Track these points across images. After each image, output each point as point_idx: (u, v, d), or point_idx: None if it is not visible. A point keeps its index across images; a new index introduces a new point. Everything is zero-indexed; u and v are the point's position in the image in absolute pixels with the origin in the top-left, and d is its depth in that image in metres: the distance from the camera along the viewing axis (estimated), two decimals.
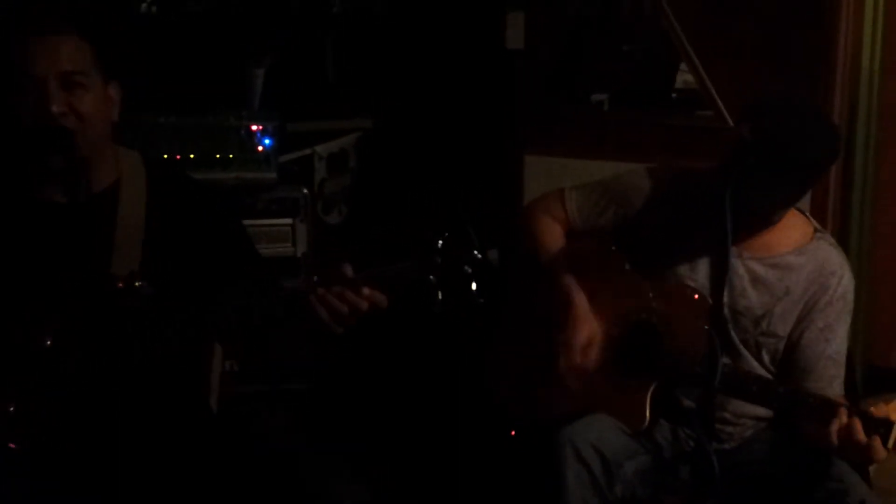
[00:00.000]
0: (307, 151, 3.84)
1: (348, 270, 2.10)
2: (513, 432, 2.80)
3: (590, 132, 3.92)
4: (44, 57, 2.17)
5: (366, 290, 2.09)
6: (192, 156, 3.45)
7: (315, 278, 2.15)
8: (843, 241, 3.06)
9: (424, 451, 3.58)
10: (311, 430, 3.27)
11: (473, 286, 2.08)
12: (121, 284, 2.21)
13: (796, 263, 2.53)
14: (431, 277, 2.08)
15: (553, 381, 2.65)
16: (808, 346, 2.52)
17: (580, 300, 2.62)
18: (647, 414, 2.50)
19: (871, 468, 2.55)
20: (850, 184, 3.52)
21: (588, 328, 2.59)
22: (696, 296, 2.52)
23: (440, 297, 2.08)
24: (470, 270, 2.07)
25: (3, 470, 2.13)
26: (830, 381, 2.50)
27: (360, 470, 2.33)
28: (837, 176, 3.49)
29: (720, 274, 2.50)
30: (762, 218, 2.51)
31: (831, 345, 2.52)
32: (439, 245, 2.08)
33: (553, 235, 2.73)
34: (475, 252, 2.08)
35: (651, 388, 2.51)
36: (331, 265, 2.11)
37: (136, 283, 2.20)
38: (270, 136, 3.51)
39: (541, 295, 2.72)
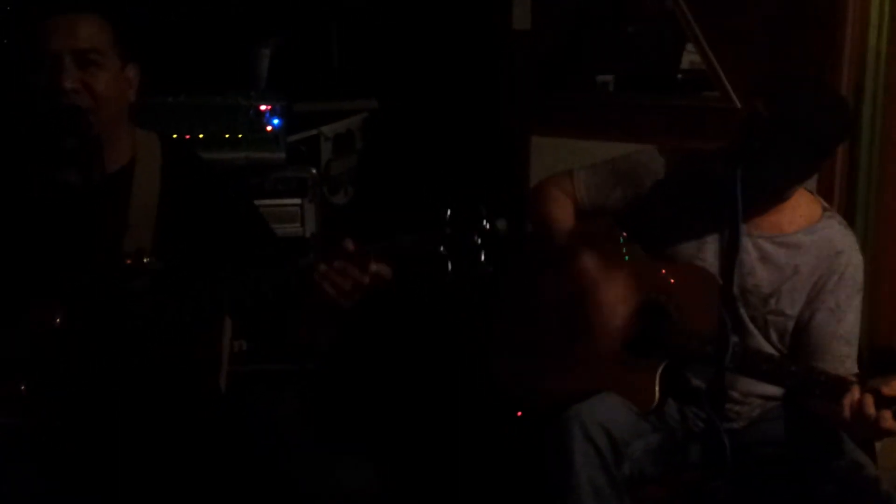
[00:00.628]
0: (313, 132, 3.83)
1: (349, 245, 2.10)
2: (519, 413, 2.81)
3: (596, 113, 3.92)
4: (60, 34, 2.16)
5: (372, 264, 2.09)
6: (200, 136, 3.44)
7: (312, 255, 2.16)
8: (848, 223, 3.04)
9: (431, 432, 3.59)
10: (317, 413, 3.27)
11: (483, 256, 2.08)
12: (129, 261, 2.21)
13: (805, 242, 2.54)
14: (442, 248, 2.08)
15: (562, 361, 2.67)
16: (820, 326, 2.52)
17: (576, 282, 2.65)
18: (657, 393, 2.51)
19: (878, 446, 2.57)
20: (855, 165, 3.51)
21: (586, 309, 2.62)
22: (706, 276, 2.53)
23: (450, 267, 2.08)
24: (479, 241, 2.07)
25: (10, 449, 2.14)
26: (843, 360, 2.51)
27: (366, 453, 2.34)
28: (843, 157, 3.49)
29: (730, 253, 2.51)
30: (774, 194, 2.51)
31: (843, 325, 2.52)
32: (448, 216, 2.08)
33: (564, 211, 2.74)
34: (484, 222, 2.08)
35: (660, 368, 2.52)
36: (334, 242, 2.12)
37: (145, 260, 2.20)
38: (279, 117, 3.50)
39: (552, 272, 2.73)
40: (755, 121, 2.40)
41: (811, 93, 2.46)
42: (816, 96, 2.46)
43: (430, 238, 2.09)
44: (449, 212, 2.08)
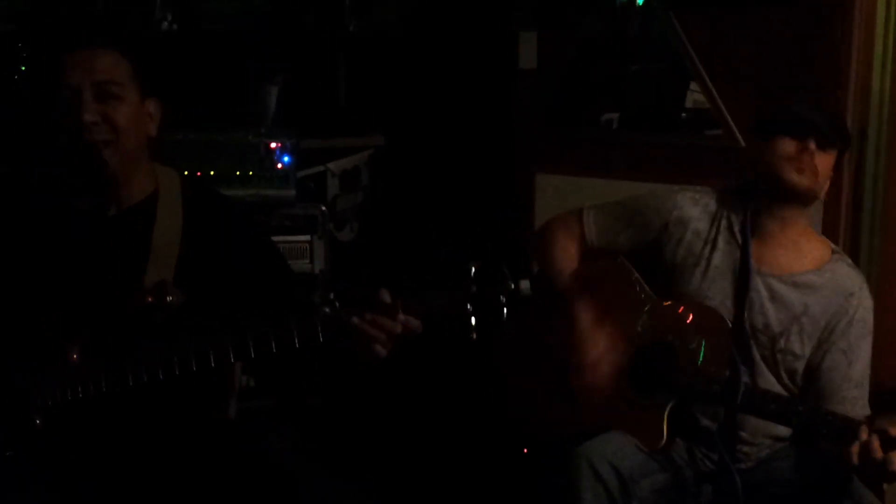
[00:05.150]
0: (320, 168, 3.84)
1: (386, 296, 2.12)
2: (525, 450, 2.81)
3: (600, 151, 3.94)
4: (79, 67, 2.18)
5: (402, 316, 2.11)
6: (212, 172, 3.46)
7: (331, 295, 2.17)
8: (853, 261, 3.08)
9: (438, 468, 3.58)
10: (324, 448, 3.28)
11: (505, 314, 2.11)
12: (150, 298, 2.22)
13: (815, 283, 2.56)
14: (468, 306, 2.11)
15: (570, 399, 2.67)
16: (832, 368, 2.53)
17: (584, 320, 2.66)
18: (665, 433, 2.51)
19: (886, 487, 2.57)
20: (859, 205, 3.53)
21: (594, 347, 2.62)
22: (715, 315, 2.54)
23: (474, 324, 2.11)
24: (504, 300, 2.10)
25: (23, 480, 2.14)
26: (854, 402, 2.52)
27: (371, 488, 2.34)
28: (848, 196, 3.51)
29: (741, 292, 2.52)
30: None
31: (854, 367, 2.54)
32: (472, 273, 2.11)
33: (567, 254, 2.76)
34: (510, 282, 2.11)
35: (668, 407, 2.52)
36: (368, 291, 2.13)
37: (168, 298, 2.21)
38: (289, 154, 3.52)
39: (555, 313, 2.74)
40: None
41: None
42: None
43: (459, 297, 2.11)
44: (473, 270, 2.10)
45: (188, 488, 2.25)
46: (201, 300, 2.25)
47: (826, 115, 2.57)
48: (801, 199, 2.56)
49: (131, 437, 2.23)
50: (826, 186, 2.58)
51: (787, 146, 2.51)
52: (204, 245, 2.32)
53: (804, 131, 2.51)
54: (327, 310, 2.12)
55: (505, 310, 2.10)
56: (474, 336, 2.11)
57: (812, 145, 2.50)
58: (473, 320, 2.11)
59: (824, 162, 2.53)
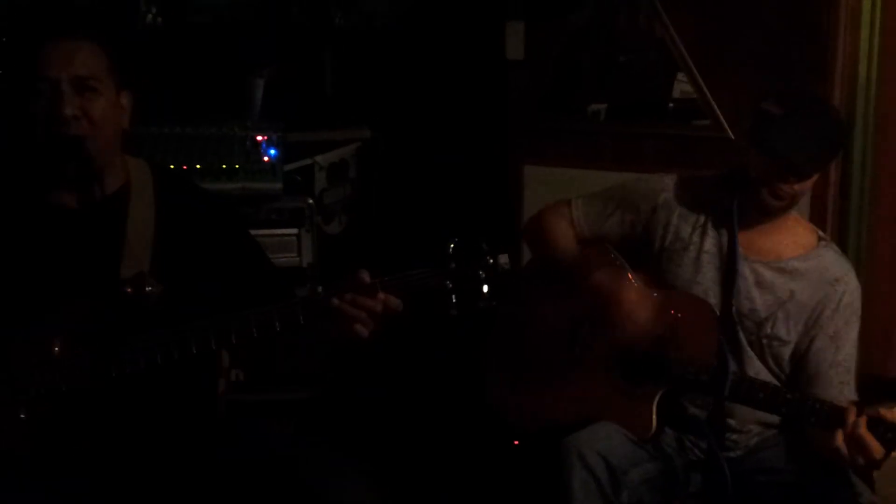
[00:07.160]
0: (307, 161, 3.84)
1: (365, 277, 2.13)
2: (516, 442, 2.81)
3: (587, 142, 3.94)
4: (58, 60, 2.17)
5: (381, 295, 2.11)
6: (198, 166, 3.45)
7: (319, 288, 2.18)
8: (840, 250, 3.10)
9: (429, 461, 3.59)
10: (316, 440, 3.28)
11: (485, 289, 2.11)
12: (129, 290, 2.21)
13: (801, 269, 2.56)
14: (448, 282, 2.11)
15: (558, 390, 2.67)
16: (818, 353, 2.54)
17: (569, 308, 2.67)
18: (654, 421, 2.52)
19: (876, 474, 2.57)
20: (847, 193, 3.54)
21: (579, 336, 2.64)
22: (703, 304, 2.55)
23: (454, 300, 2.12)
24: (483, 274, 2.11)
25: (12, 475, 2.13)
26: (841, 388, 2.53)
27: (365, 481, 2.34)
28: (835, 185, 3.52)
29: (728, 278, 2.53)
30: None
31: (840, 352, 2.55)
32: (451, 250, 2.12)
33: (564, 235, 2.76)
34: (487, 257, 2.11)
35: (657, 397, 2.53)
36: (348, 273, 2.13)
37: (147, 289, 2.21)
38: (275, 147, 3.52)
39: (549, 300, 2.74)
40: (767, 118, 2.46)
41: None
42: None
43: (437, 272, 2.12)
44: (452, 246, 2.11)
45: (183, 484, 2.25)
46: (180, 291, 2.25)
47: (812, 144, 2.46)
48: (778, 214, 2.56)
49: (120, 431, 2.22)
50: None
51: (766, 175, 2.47)
52: (178, 236, 2.33)
53: (784, 172, 2.46)
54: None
55: (484, 285, 2.11)
56: (455, 312, 2.12)
57: (791, 179, 2.47)
58: (453, 297, 2.11)
59: (807, 184, 2.52)
